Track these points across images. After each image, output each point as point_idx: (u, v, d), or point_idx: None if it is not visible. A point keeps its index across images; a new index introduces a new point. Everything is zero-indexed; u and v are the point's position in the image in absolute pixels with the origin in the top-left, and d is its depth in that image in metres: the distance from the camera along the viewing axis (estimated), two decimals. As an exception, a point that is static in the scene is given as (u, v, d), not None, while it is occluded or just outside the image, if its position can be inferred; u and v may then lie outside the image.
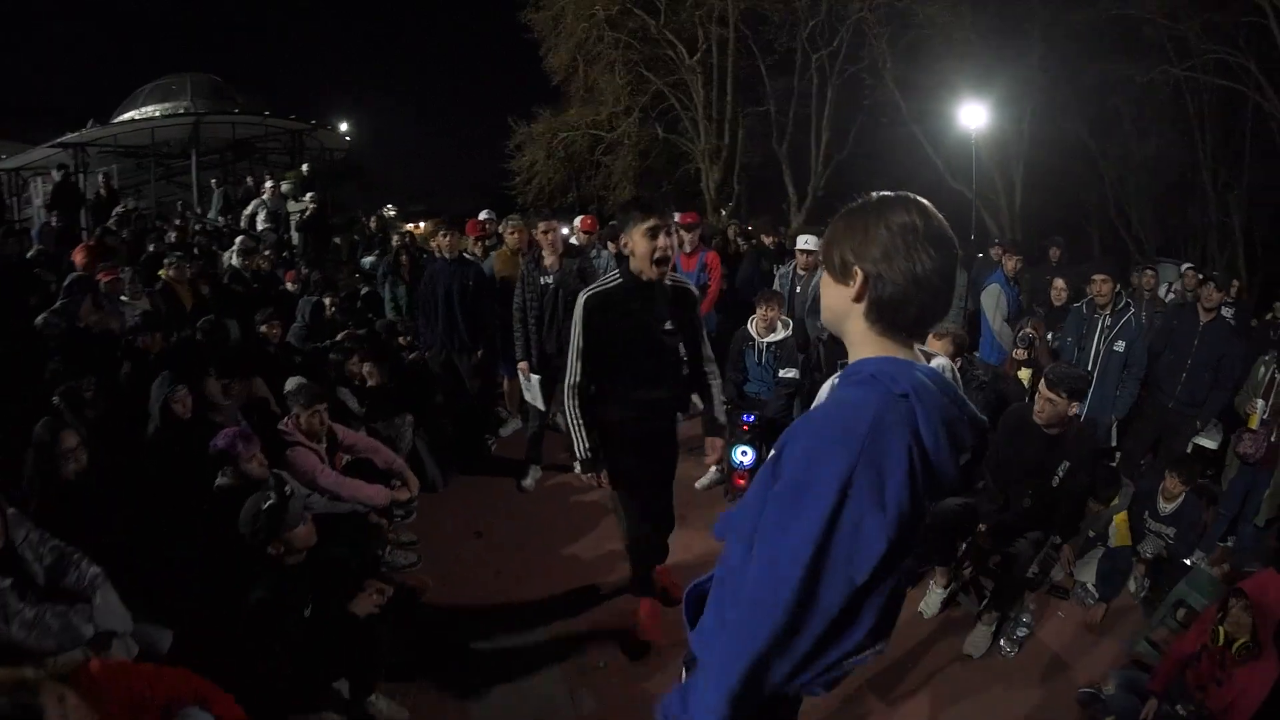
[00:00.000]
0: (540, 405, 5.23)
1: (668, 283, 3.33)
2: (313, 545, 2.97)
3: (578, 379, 3.30)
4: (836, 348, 5.24)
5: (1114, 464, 5.72)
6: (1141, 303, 6.90)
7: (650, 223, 3.10)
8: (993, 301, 6.74)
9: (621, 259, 3.30)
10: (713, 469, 5.38)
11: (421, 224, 17.26)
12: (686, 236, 6.52)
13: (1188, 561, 4.44)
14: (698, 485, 5.45)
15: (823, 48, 18.96)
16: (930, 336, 4.16)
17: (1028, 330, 5.38)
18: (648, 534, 3.61)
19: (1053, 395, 3.73)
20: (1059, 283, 6.40)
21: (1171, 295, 8.09)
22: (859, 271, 1.34)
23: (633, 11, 18.97)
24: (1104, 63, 15.94)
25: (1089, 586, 4.35)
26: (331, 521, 3.52)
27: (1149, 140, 17.55)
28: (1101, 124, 17.78)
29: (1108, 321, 5.37)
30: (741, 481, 5.06)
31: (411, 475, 4.41)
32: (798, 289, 6.34)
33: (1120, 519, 4.65)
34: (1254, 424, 5.04)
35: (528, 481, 5.41)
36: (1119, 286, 5.54)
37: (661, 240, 3.13)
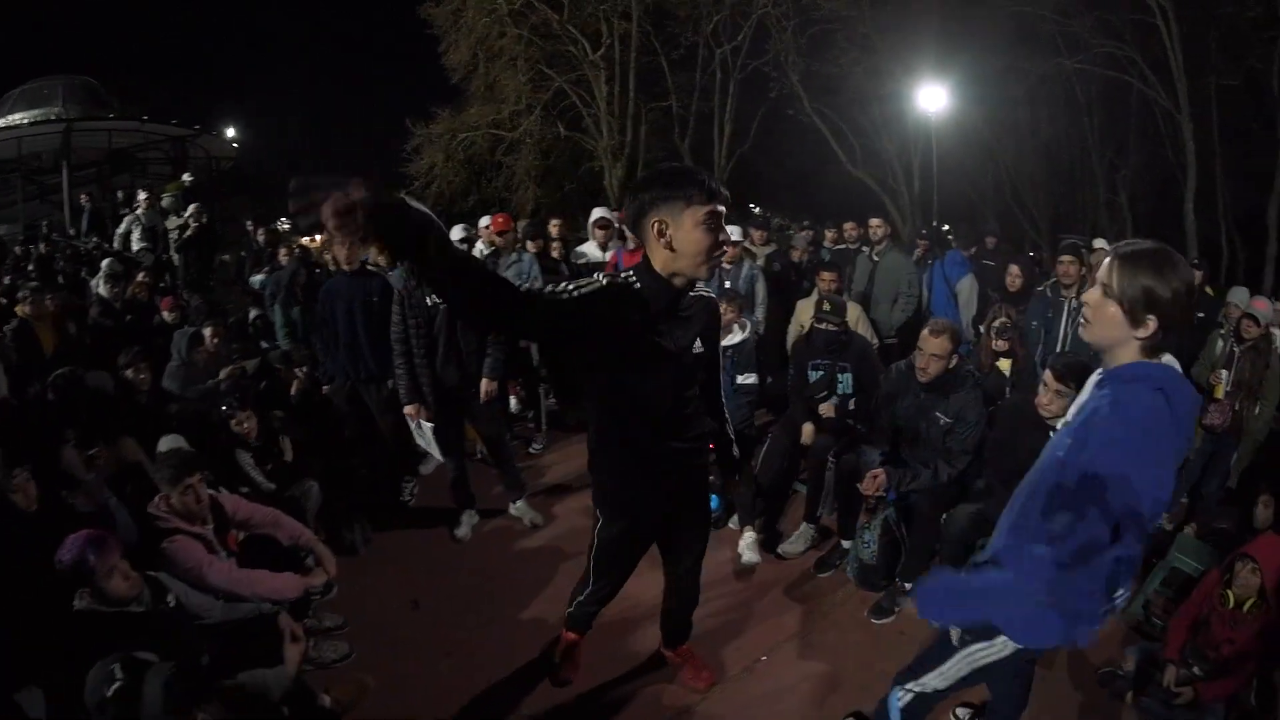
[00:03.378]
0: (438, 455, 4.53)
1: (702, 292, 2.52)
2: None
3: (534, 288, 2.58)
4: (810, 348, 4.91)
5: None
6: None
7: (714, 206, 2.22)
8: (969, 294, 6.74)
9: (643, 265, 2.34)
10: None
11: (319, 236, 16.24)
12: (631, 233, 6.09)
13: (1165, 526, 4.71)
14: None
15: (726, 43, 19.15)
16: (926, 333, 4.06)
17: (1003, 319, 5.21)
18: (610, 591, 3.01)
19: (1060, 386, 3.61)
20: (1014, 269, 6.39)
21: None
22: (1152, 322, 1.73)
23: (536, 6, 18.50)
24: (1001, 56, 16.88)
25: None
26: (237, 634, 2.83)
27: (1042, 128, 19.33)
28: (999, 114, 18.82)
29: (1074, 304, 5.28)
30: None
31: (325, 550, 3.58)
32: (726, 284, 6.03)
33: None
34: (1219, 394, 5.25)
35: (462, 531, 4.68)
36: (1085, 268, 5.50)
37: (724, 234, 2.32)
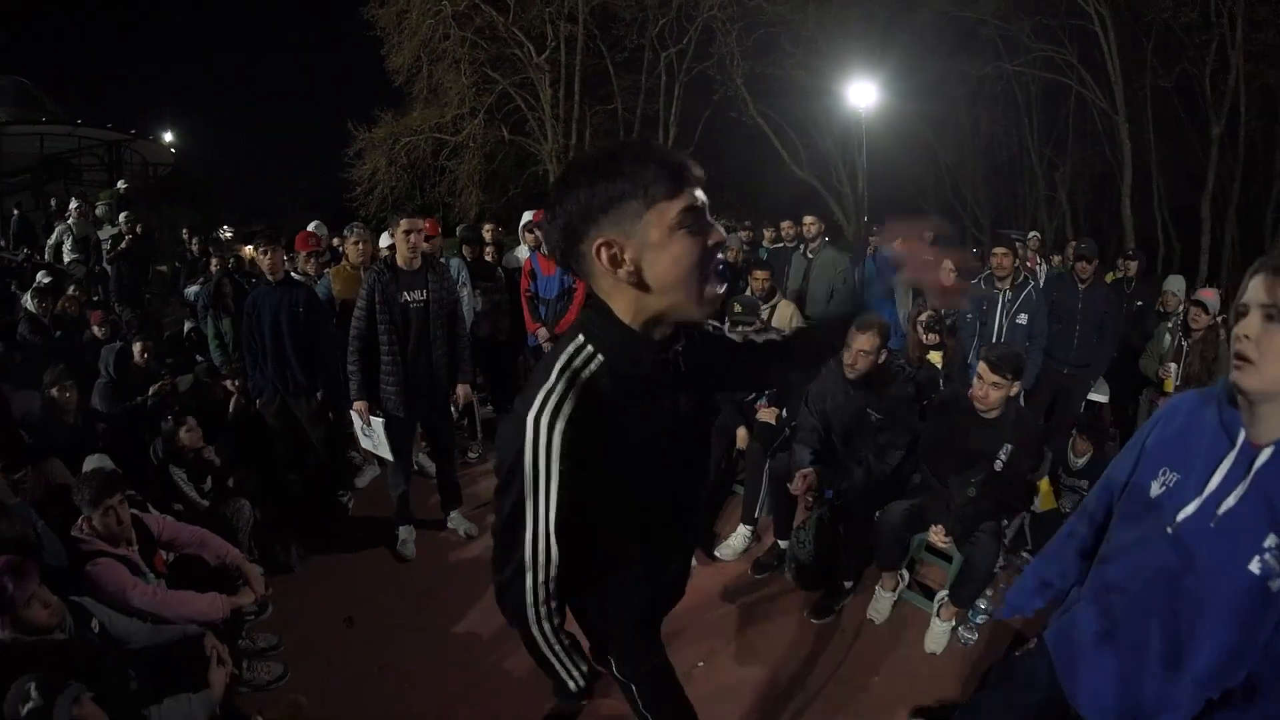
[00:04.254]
0: (387, 455, 4.41)
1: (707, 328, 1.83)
2: None
3: (551, 578, 1.54)
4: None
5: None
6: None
7: (690, 200, 1.37)
8: (904, 290, 6.58)
9: (594, 317, 1.50)
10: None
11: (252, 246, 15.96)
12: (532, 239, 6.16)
13: None
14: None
15: (671, 46, 19.37)
16: (853, 329, 3.80)
17: (929, 312, 5.31)
18: None
19: (996, 378, 3.56)
20: (948, 263, 6.38)
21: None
22: None
23: (480, 8, 18.50)
24: (942, 59, 17.48)
25: (1024, 554, 4.47)
26: (162, 657, 2.80)
27: (982, 127, 19.99)
28: (939, 113, 19.45)
29: (1008, 295, 5.45)
30: None
31: (253, 570, 3.59)
32: None
33: (1044, 485, 4.76)
34: (1169, 388, 5.44)
35: (407, 549, 4.60)
36: (1017, 260, 5.68)
37: (718, 236, 1.44)
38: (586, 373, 1.45)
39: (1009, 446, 3.63)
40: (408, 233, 4.14)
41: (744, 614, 4.06)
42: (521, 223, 6.57)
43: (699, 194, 1.40)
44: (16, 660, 2.34)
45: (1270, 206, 16.83)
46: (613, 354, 1.46)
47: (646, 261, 1.38)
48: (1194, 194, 16.71)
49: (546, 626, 1.61)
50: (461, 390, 4.53)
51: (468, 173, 20.00)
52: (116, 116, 20.19)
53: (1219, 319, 5.53)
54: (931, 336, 5.29)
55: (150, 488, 3.89)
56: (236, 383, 5.62)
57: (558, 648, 1.66)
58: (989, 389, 3.58)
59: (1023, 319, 5.43)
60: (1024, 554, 4.45)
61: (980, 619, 3.79)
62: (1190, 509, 1.54)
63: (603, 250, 1.36)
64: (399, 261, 4.20)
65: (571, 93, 19.69)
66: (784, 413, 4.77)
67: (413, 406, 4.31)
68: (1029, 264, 7.78)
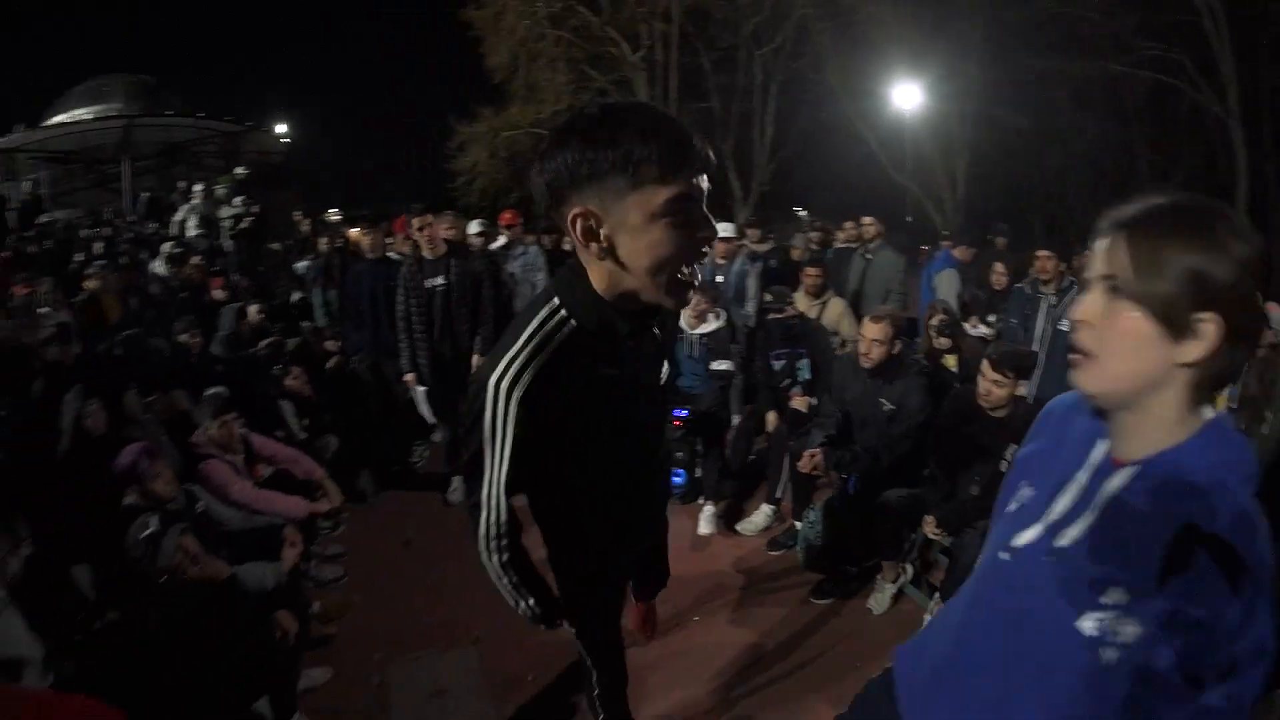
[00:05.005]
0: (429, 417, 5.07)
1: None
2: (223, 576, 2.95)
3: (499, 526, 1.67)
4: (770, 338, 5.42)
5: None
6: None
7: (676, 187, 1.32)
8: (948, 287, 6.76)
9: (570, 280, 1.50)
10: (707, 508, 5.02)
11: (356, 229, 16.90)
12: None
13: None
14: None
15: (766, 44, 19.06)
16: (867, 320, 4.14)
17: (941, 315, 5.27)
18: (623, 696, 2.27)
19: (998, 376, 3.57)
20: (999, 266, 6.45)
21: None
22: (1208, 326, 0.94)
23: (575, 9, 18.93)
24: (1043, 58, 16.36)
25: None
26: (250, 539, 3.48)
27: (1087, 132, 18.32)
28: (1042, 117, 18.29)
29: (1052, 300, 5.29)
30: None
31: (333, 486, 4.34)
32: (719, 278, 6.40)
33: None
34: (1220, 405, 5.10)
35: (452, 494, 5.18)
36: (1063, 265, 5.48)
37: (709, 230, 1.43)
38: (557, 338, 1.46)
39: (1014, 447, 3.48)
40: (420, 228, 4.81)
41: (750, 584, 4.26)
42: None
43: (699, 181, 1.34)
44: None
45: None
46: (583, 320, 1.46)
47: (620, 242, 1.34)
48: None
49: (495, 559, 1.75)
50: (475, 361, 4.95)
51: (565, 166, 20.43)
52: (234, 110, 21.67)
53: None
54: (943, 341, 5.22)
55: (258, 417, 4.59)
56: (337, 343, 6.34)
57: (505, 580, 1.82)
58: (990, 386, 3.59)
59: (1066, 325, 5.07)
60: None
61: None
62: (1029, 535, 1.18)
63: (578, 220, 1.33)
64: (423, 252, 4.83)
65: (667, 91, 19.76)
66: (815, 401, 4.97)
67: (440, 376, 4.91)
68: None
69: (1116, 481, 1.08)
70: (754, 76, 19.69)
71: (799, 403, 5.05)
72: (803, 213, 21.59)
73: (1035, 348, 5.22)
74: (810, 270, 6.08)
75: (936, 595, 3.88)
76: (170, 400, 4.52)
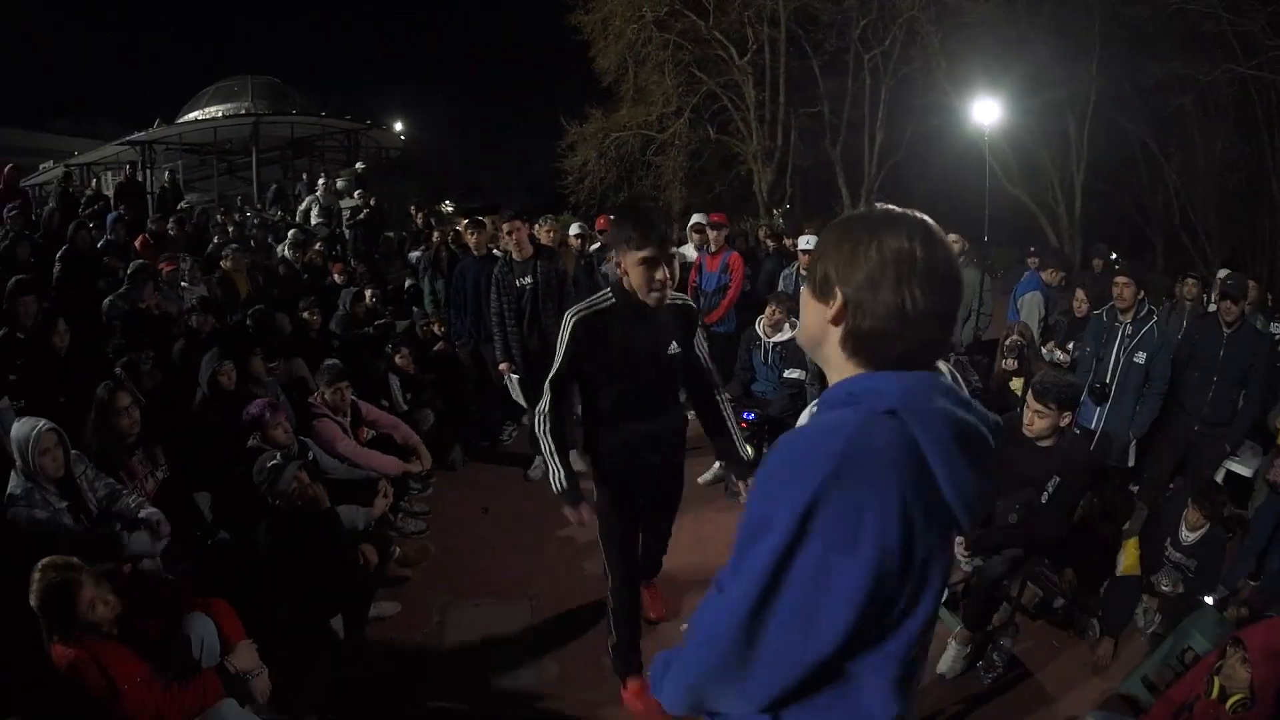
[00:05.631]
0: (522, 403, 5.45)
1: (669, 302, 2.91)
2: (324, 505, 3.47)
3: (548, 405, 2.98)
4: None
5: (1133, 486, 5.26)
6: (1183, 314, 6.60)
7: (646, 253, 2.70)
8: (1032, 309, 6.60)
9: (615, 282, 2.91)
10: (716, 464, 5.45)
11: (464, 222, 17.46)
12: (713, 235, 6.76)
13: (1207, 600, 3.81)
14: (700, 480, 5.49)
15: (875, 47, 18.65)
16: None
17: (1015, 338, 5.22)
18: (633, 588, 3.30)
19: (1040, 406, 3.49)
20: (1080, 293, 6.20)
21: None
22: (838, 293, 1.15)
23: (682, 13, 19.06)
24: (1165, 60, 15.25)
25: (1091, 620, 3.98)
26: (350, 487, 4.04)
27: (1215, 143, 16.54)
28: (1165, 126, 16.83)
29: (1129, 330, 4.92)
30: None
31: (425, 451, 4.84)
32: (803, 288, 6.44)
33: (1130, 544, 4.22)
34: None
35: (533, 471, 5.62)
36: (1142, 292, 5.06)
37: (660, 274, 2.73)
38: (602, 304, 2.92)
39: (1057, 479, 3.53)
40: (509, 232, 5.17)
41: None
42: (690, 223, 7.29)
43: (654, 250, 2.70)
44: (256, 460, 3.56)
45: None
46: (618, 299, 2.90)
47: (628, 272, 2.78)
48: None
49: (542, 428, 3.03)
50: None
51: (672, 169, 20.59)
52: (355, 108, 22.87)
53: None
54: (1011, 362, 5.16)
55: (367, 388, 5.19)
56: (442, 329, 6.89)
57: (547, 448, 3.03)
58: (1033, 416, 3.53)
59: (1140, 358, 4.85)
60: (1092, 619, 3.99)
61: (998, 657, 3.63)
62: None
63: (615, 255, 2.87)
64: (513, 254, 5.18)
65: (776, 95, 19.66)
66: None
67: (529, 366, 5.24)
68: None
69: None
70: (863, 81, 19.23)
71: None
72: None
73: (1109, 379, 4.96)
74: None
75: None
76: (291, 367, 5.07)
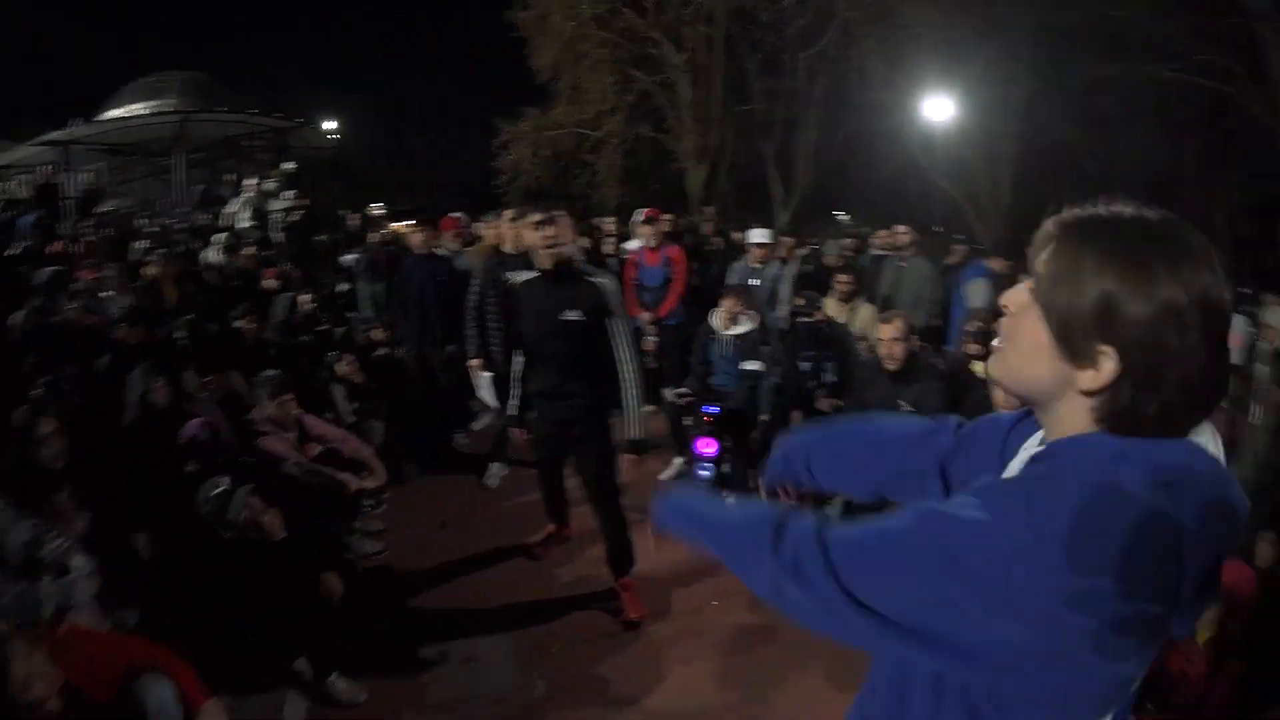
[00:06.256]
0: (492, 402, 5.28)
1: (592, 279, 3.58)
2: (278, 534, 3.19)
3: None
4: (798, 341, 5.61)
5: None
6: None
7: (534, 215, 3.53)
8: (980, 296, 6.81)
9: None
10: (677, 460, 5.50)
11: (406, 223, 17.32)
12: (650, 231, 6.76)
13: None
14: (661, 477, 5.50)
15: (810, 47, 18.75)
16: (880, 324, 4.43)
17: (977, 323, 5.30)
18: (556, 497, 4.22)
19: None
20: (1022, 279, 6.44)
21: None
22: (1109, 363, 0.85)
23: (620, 10, 18.92)
24: (1091, 65, 16.07)
25: None
26: (304, 500, 3.75)
27: (1134, 139, 17.51)
28: (1088, 123, 17.80)
29: None
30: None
31: (378, 464, 4.57)
32: (753, 281, 6.54)
33: None
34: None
35: (489, 479, 5.44)
36: None
37: (547, 231, 3.44)
38: (528, 276, 3.64)
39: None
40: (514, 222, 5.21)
41: None
42: (635, 219, 7.23)
43: (541, 213, 3.51)
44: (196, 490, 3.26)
45: None
46: (538, 271, 3.57)
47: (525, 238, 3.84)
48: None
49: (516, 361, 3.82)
50: None
51: (607, 167, 20.40)
52: (285, 107, 22.09)
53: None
54: (974, 346, 5.28)
55: (311, 400, 4.84)
56: (385, 333, 6.55)
57: (515, 375, 3.83)
58: (999, 393, 3.72)
59: None
60: None
61: None
62: None
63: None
64: (505, 246, 5.14)
65: (712, 93, 19.66)
66: (840, 403, 5.18)
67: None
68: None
69: (1030, 449, 1.03)
70: (798, 80, 19.44)
71: (824, 404, 5.26)
72: (843, 215, 21.56)
73: None
74: (842, 277, 6.32)
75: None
76: (226, 381, 4.76)
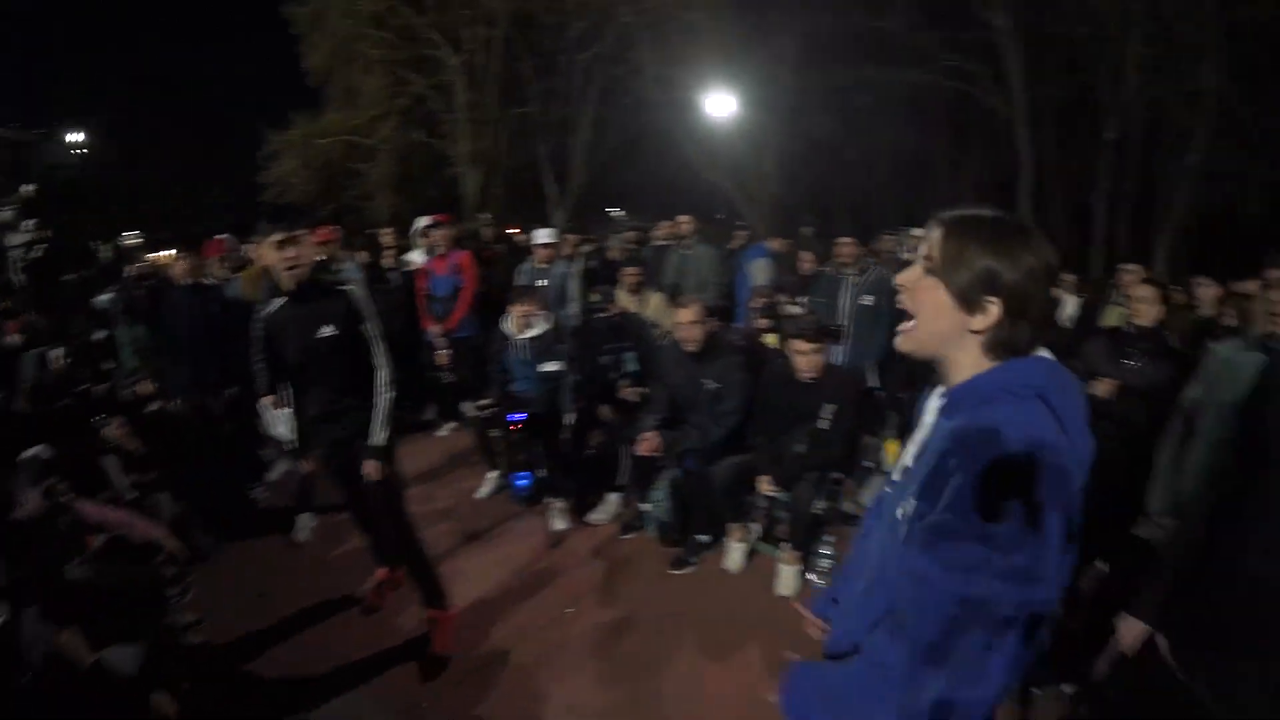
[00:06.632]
0: (290, 436, 4.98)
1: (340, 288, 3.59)
2: (85, 662, 2.77)
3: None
4: (596, 336, 5.72)
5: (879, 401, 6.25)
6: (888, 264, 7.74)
7: (277, 235, 3.33)
8: (762, 274, 7.41)
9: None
10: (492, 474, 5.66)
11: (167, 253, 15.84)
12: (438, 236, 6.78)
13: None
14: (477, 496, 5.64)
15: (587, 50, 19.17)
16: (678, 310, 4.68)
17: (763, 299, 6.06)
18: (380, 536, 4.05)
19: (805, 345, 4.20)
20: (806, 255, 7.17)
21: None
22: (994, 308, 1.30)
23: (399, 9, 18.30)
24: (853, 68, 17.93)
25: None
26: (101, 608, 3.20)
27: (890, 131, 20.30)
28: (849, 119, 19.73)
29: (855, 279, 5.93)
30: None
31: (175, 542, 3.97)
32: (541, 282, 6.69)
33: (890, 445, 5.41)
34: None
35: (300, 533, 5.09)
36: (864, 249, 6.33)
37: (288, 252, 3.37)
38: (276, 304, 3.56)
39: (832, 406, 4.29)
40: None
41: (611, 569, 4.63)
42: (416, 228, 7.14)
43: (285, 233, 3.38)
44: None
45: (1158, 205, 17.54)
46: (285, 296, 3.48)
47: (265, 259, 3.32)
48: (1088, 194, 18.06)
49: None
50: None
51: (380, 176, 19.86)
52: (20, 116, 19.43)
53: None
54: (763, 322, 6.00)
55: (80, 479, 4.16)
56: (153, 385, 5.93)
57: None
58: (802, 358, 4.23)
59: (868, 300, 5.84)
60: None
61: (826, 563, 4.31)
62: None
63: (255, 249, 3.58)
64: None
65: (488, 95, 19.52)
66: (644, 390, 5.43)
67: None
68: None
69: (934, 404, 1.46)
70: (574, 82, 19.76)
71: (629, 393, 5.51)
72: (618, 212, 22.24)
73: (843, 322, 5.90)
74: (629, 269, 6.58)
75: (784, 544, 4.41)
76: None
